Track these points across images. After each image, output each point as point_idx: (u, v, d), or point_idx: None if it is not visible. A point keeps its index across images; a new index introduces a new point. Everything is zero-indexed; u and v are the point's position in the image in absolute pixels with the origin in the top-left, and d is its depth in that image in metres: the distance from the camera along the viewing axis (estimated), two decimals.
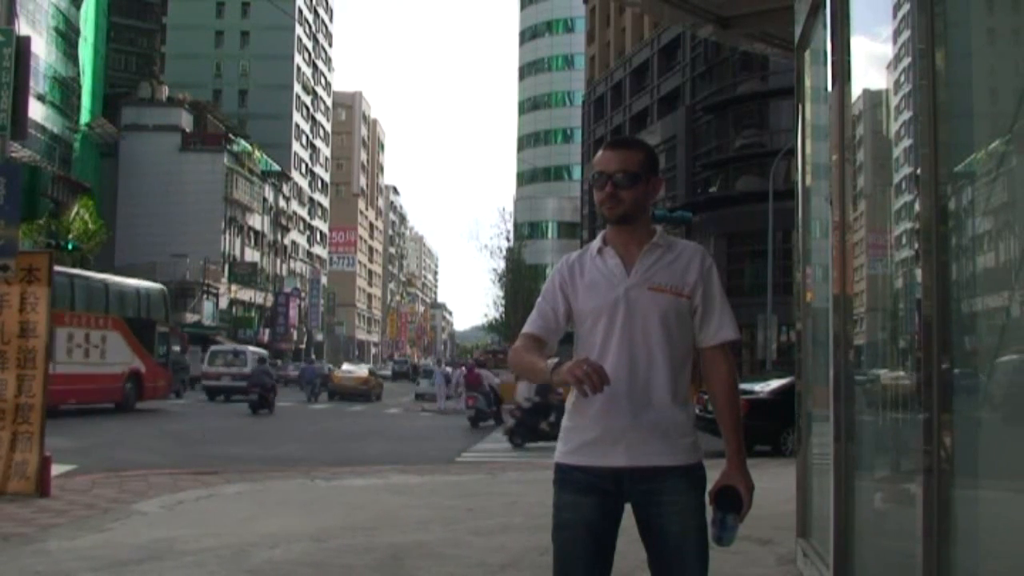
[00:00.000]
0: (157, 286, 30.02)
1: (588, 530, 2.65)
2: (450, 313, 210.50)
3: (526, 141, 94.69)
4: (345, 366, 44.18)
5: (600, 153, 2.77)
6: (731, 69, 44.02)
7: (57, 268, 20.83)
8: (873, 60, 4.33)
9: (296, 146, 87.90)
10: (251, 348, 37.95)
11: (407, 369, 71.71)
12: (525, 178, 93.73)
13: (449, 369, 40.03)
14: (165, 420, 22.60)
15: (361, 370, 41.04)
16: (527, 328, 2.80)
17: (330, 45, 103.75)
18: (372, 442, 18.24)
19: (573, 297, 2.76)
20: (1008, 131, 2.88)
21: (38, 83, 46.79)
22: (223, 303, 65.80)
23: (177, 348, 31.15)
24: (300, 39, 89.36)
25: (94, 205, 50.80)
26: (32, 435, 8.61)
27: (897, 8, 3.65)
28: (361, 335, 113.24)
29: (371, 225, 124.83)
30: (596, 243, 2.81)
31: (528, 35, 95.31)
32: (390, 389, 46.13)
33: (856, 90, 4.47)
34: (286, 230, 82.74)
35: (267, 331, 72.16)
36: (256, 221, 72.94)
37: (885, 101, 4.05)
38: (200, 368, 35.06)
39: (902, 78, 3.56)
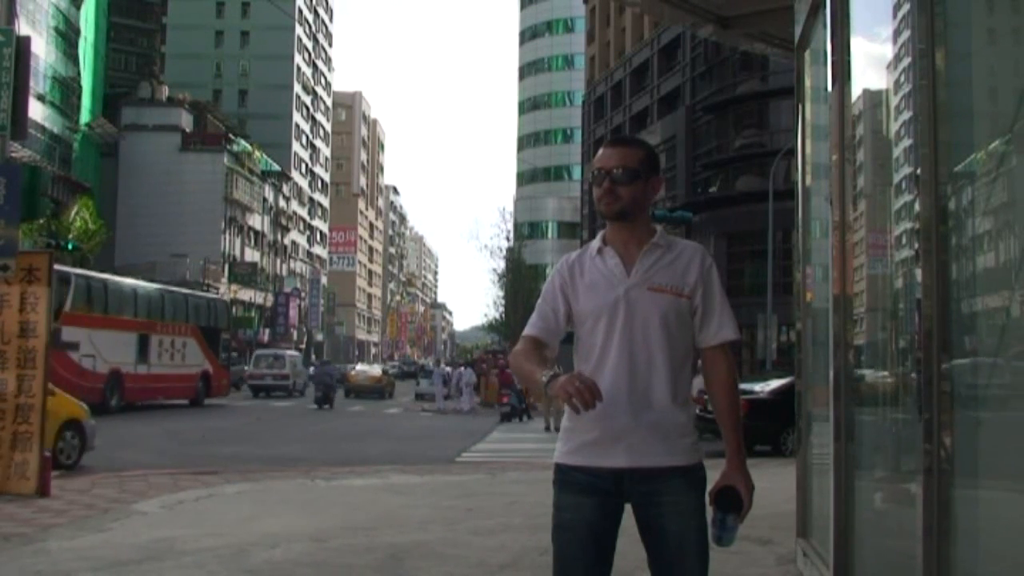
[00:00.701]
0: (222, 299, 35.35)
1: (588, 530, 2.65)
2: (450, 313, 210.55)
3: (526, 141, 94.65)
4: (360, 366, 47.47)
5: (600, 151, 2.77)
6: (731, 69, 44.00)
7: (149, 284, 25.65)
8: (873, 60, 4.33)
9: (296, 146, 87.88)
10: (289, 352, 42.91)
11: (415, 370, 71.82)
12: (525, 178, 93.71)
13: (448, 369, 40.05)
14: (220, 416, 25.08)
15: (375, 370, 44.68)
16: (528, 330, 2.80)
17: (330, 45, 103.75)
18: (372, 442, 18.24)
19: (573, 298, 2.75)
20: (1008, 131, 2.88)
21: (38, 83, 46.76)
22: None
23: (235, 352, 36.16)
24: (300, 39, 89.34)
25: (94, 205, 50.78)
26: (32, 435, 8.61)
27: (897, 8, 3.65)
28: (361, 335, 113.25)
29: (371, 225, 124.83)
30: (596, 243, 2.81)
31: (528, 35, 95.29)
32: (397, 388, 46.74)
33: (856, 90, 4.47)
34: (286, 230, 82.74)
35: (267, 331, 72.16)
36: (256, 221, 72.94)
37: (885, 101, 4.05)
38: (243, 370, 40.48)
39: (902, 78, 3.56)
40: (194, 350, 28.62)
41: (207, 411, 26.74)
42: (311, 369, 40.24)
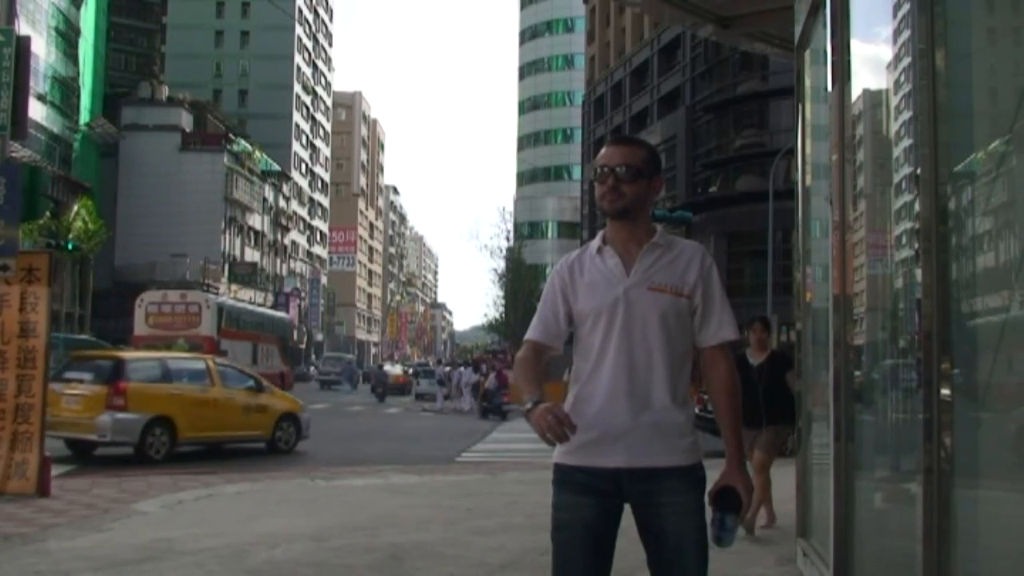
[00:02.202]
0: (290, 318, 50.99)
1: (587, 530, 2.65)
2: (450, 313, 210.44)
3: (526, 141, 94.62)
4: (386, 366, 54.20)
5: (604, 149, 2.77)
6: (731, 69, 43.99)
7: (255, 307, 42.27)
8: (873, 60, 4.33)
9: (296, 146, 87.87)
10: (347, 356, 61.76)
11: (424, 370, 72.39)
12: (525, 178, 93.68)
13: (448, 369, 40.09)
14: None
15: (396, 369, 51.69)
16: (529, 334, 2.81)
17: (330, 45, 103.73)
18: (372, 442, 18.23)
19: (573, 299, 2.75)
20: (1008, 131, 2.88)
21: (38, 83, 46.77)
22: None
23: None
24: (300, 39, 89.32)
25: (94, 205, 50.79)
26: (32, 435, 8.61)
27: (897, 8, 3.65)
28: (361, 335, 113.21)
29: (371, 225, 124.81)
30: (595, 242, 2.81)
31: (528, 35, 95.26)
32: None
33: (856, 90, 4.47)
34: (286, 230, 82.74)
35: None
36: (256, 221, 72.93)
37: (885, 101, 4.05)
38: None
39: (902, 78, 3.56)
40: (276, 355, 38.73)
41: None
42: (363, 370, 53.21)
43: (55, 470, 9.08)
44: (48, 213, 42.88)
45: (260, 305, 72.22)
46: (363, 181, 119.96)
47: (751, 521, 6.76)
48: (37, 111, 45.40)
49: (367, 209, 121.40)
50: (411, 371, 50.61)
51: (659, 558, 2.65)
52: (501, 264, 66.62)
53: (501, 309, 66.68)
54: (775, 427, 7.22)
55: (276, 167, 76.83)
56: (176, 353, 19.15)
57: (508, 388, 27.40)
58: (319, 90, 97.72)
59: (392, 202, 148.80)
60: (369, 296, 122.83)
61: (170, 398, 13.21)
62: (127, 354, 15.84)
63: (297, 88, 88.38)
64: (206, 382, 13.93)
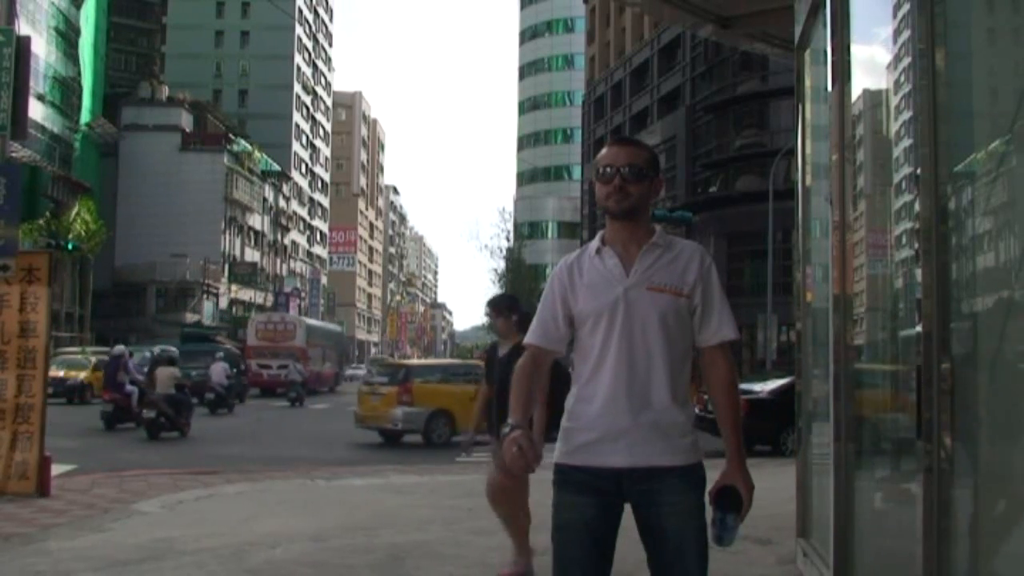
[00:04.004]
0: (341, 329, 60.44)
1: (588, 530, 2.65)
2: (450, 313, 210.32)
3: (526, 141, 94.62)
4: None
5: (606, 149, 2.78)
6: (731, 69, 43.99)
7: (322, 323, 52.45)
8: (873, 60, 4.33)
9: (296, 146, 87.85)
10: (390, 360, 64.48)
11: None
12: (525, 178, 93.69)
13: None
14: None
15: None
16: (529, 338, 2.82)
17: (330, 45, 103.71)
18: (372, 442, 18.22)
19: (573, 301, 2.76)
20: (1008, 131, 2.88)
21: (38, 83, 46.77)
22: (223, 303, 65.81)
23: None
24: (300, 39, 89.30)
25: (94, 205, 50.79)
26: (32, 435, 8.61)
27: (897, 8, 3.64)
28: (361, 335, 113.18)
29: (371, 225, 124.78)
30: (594, 243, 2.81)
31: (528, 35, 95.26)
32: None
33: (856, 90, 4.47)
34: (286, 230, 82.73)
35: None
36: (256, 221, 72.92)
37: (885, 101, 4.04)
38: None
39: (902, 78, 3.56)
40: (334, 358, 47.70)
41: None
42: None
43: (55, 470, 9.08)
44: (48, 213, 42.90)
45: (260, 305, 72.86)
46: (363, 181, 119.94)
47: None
48: (37, 111, 45.40)
49: (367, 209, 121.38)
50: None
51: (659, 558, 2.65)
52: (501, 264, 66.62)
53: None
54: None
55: (276, 167, 76.82)
56: (451, 360, 26.67)
57: None
58: (319, 90, 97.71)
59: (392, 202, 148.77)
60: (369, 296, 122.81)
61: (449, 395, 16.28)
62: (414, 362, 21.82)
63: (297, 88, 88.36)
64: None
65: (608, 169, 2.72)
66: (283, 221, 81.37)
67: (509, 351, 5.47)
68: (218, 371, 25.00)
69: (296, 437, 18.68)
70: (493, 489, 5.67)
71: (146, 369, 19.67)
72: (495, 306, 5.81)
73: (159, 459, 13.09)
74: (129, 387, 18.32)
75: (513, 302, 5.97)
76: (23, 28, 34.69)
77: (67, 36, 53.92)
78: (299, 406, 29.29)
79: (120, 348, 19.86)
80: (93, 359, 28.13)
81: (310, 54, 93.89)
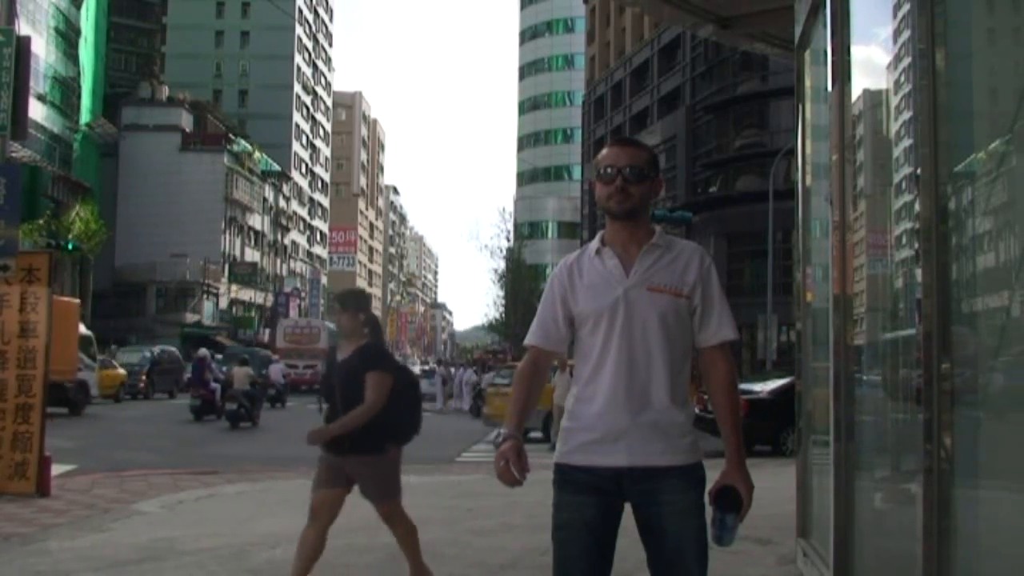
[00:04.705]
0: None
1: (588, 530, 2.65)
2: (450, 313, 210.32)
3: (526, 141, 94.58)
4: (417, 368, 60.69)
5: (608, 150, 2.78)
6: (731, 69, 43.99)
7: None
8: (873, 60, 4.33)
9: (296, 146, 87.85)
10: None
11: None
12: (525, 178, 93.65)
13: (450, 369, 40.17)
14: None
15: (416, 368, 58.30)
16: (530, 339, 2.82)
17: (330, 45, 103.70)
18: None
19: (573, 301, 2.76)
20: (1008, 131, 2.88)
21: (38, 83, 46.76)
22: (223, 303, 65.84)
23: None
24: (300, 39, 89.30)
25: (94, 205, 50.80)
26: (32, 435, 8.61)
27: (897, 8, 3.64)
28: None
29: (371, 225, 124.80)
30: (594, 243, 2.81)
31: (528, 35, 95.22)
32: None
33: (856, 90, 4.47)
34: (286, 230, 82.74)
35: (267, 331, 72.12)
36: (256, 221, 72.93)
37: (885, 101, 4.04)
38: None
39: (902, 78, 3.56)
40: None
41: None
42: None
43: (55, 470, 9.08)
44: (48, 213, 42.91)
45: (260, 306, 72.90)
46: (363, 181, 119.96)
47: None
48: (37, 111, 45.40)
49: (367, 209, 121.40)
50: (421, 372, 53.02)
51: (659, 557, 2.65)
52: (501, 264, 66.64)
53: (501, 309, 66.72)
54: (368, 458, 4.88)
55: (276, 167, 76.83)
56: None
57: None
58: (319, 90, 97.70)
59: (392, 202, 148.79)
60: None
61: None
62: None
63: (297, 88, 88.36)
64: None
65: (609, 170, 2.72)
66: (283, 221, 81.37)
67: (350, 356, 4.87)
68: (276, 371, 28.95)
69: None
70: (316, 506, 5.06)
71: (224, 369, 23.77)
72: (342, 300, 5.07)
73: (160, 459, 13.09)
74: (213, 384, 21.56)
75: (363, 298, 5.28)
76: (23, 28, 34.70)
77: (67, 36, 53.92)
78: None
79: (203, 351, 22.81)
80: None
81: (310, 54, 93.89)
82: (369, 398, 4.73)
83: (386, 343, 5.11)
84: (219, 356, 35.26)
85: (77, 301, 22.65)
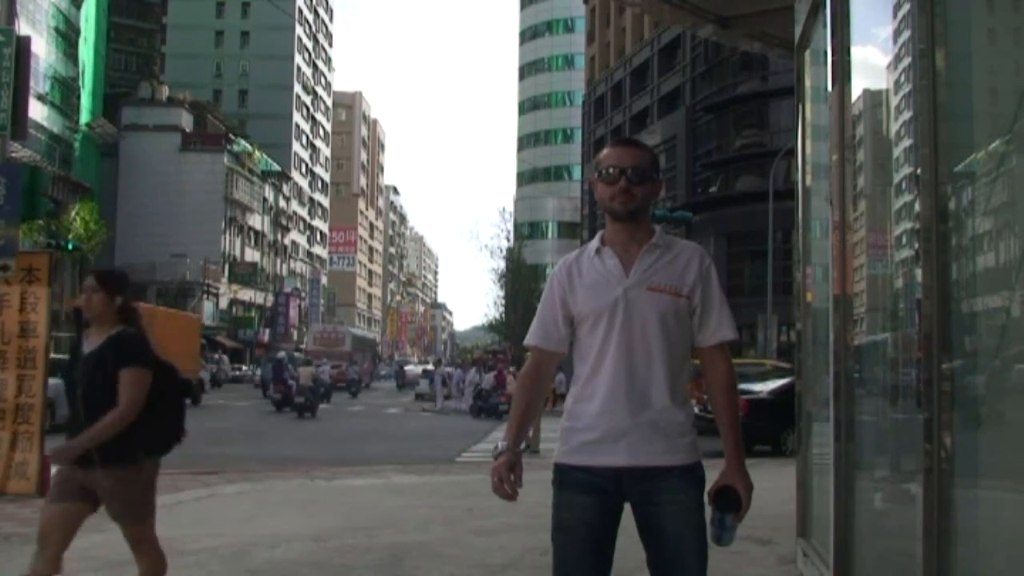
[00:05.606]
0: (373, 336, 77.07)
1: (588, 530, 2.65)
2: (450, 313, 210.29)
3: (526, 141, 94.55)
4: (407, 366, 62.30)
5: (609, 150, 2.77)
6: (731, 69, 44.02)
7: (362, 331, 72.22)
8: (873, 60, 4.33)
9: (296, 146, 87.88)
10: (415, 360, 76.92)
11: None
12: (525, 178, 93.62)
13: (449, 369, 40.13)
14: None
15: (416, 368, 59.74)
16: (531, 339, 2.83)
17: (330, 45, 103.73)
18: (372, 442, 18.24)
19: (573, 302, 2.76)
20: (1008, 131, 2.88)
21: (38, 83, 46.78)
22: (223, 303, 65.84)
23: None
24: (300, 39, 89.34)
25: (94, 205, 50.79)
26: (32, 435, 8.61)
27: (897, 8, 3.64)
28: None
29: (371, 225, 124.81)
30: (594, 243, 2.81)
31: (528, 35, 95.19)
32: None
33: (856, 90, 4.47)
34: (286, 230, 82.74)
35: (267, 331, 72.15)
36: (256, 221, 72.94)
37: (885, 101, 4.04)
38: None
39: (902, 78, 3.56)
40: (369, 359, 58.71)
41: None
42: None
43: (55, 470, 9.07)
44: (48, 213, 42.87)
45: (260, 305, 72.88)
46: (363, 181, 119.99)
47: None
48: (37, 111, 45.42)
49: (367, 209, 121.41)
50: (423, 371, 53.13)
51: (659, 557, 2.65)
52: (501, 264, 66.56)
53: (501, 309, 66.66)
54: (114, 470, 4.12)
55: (276, 167, 76.84)
56: None
57: (505, 388, 27.33)
58: (319, 90, 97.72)
59: (392, 202, 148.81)
60: (369, 296, 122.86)
61: None
62: None
63: (297, 88, 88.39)
64: None
65: (612, 170, 2.72)
66: (283, 221, 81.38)
67: (100, 346, 3.96)
68: (324, 371, 33.48)
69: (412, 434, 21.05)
70: (43, 528, 4.29)
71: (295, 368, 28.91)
72: (101, 278, 4.09)
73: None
74: (290, 381, 26.65)
75: (124, 281, 4.22)
76: (23, 28, 34.69)
77: (67, 36, 53.93)
78: (354, 396, 39.25)
79: (282, 354, 30.04)
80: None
81: (310, 54, 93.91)
82: (124, 401, 3.90)
83: (147, 335, 4.12)
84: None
85: (198, 316, 30.77)
